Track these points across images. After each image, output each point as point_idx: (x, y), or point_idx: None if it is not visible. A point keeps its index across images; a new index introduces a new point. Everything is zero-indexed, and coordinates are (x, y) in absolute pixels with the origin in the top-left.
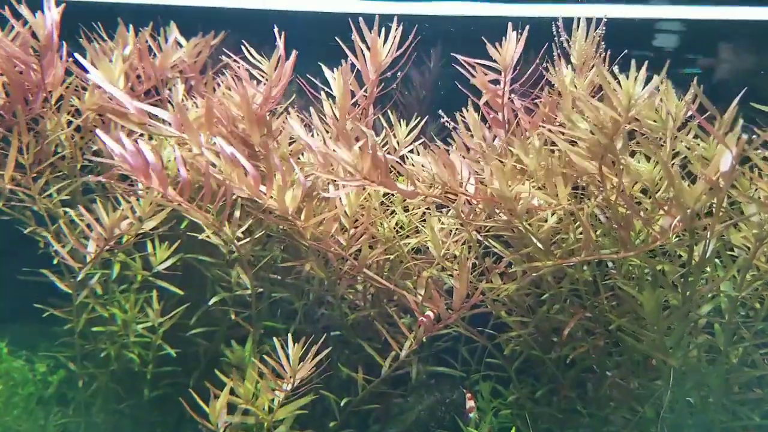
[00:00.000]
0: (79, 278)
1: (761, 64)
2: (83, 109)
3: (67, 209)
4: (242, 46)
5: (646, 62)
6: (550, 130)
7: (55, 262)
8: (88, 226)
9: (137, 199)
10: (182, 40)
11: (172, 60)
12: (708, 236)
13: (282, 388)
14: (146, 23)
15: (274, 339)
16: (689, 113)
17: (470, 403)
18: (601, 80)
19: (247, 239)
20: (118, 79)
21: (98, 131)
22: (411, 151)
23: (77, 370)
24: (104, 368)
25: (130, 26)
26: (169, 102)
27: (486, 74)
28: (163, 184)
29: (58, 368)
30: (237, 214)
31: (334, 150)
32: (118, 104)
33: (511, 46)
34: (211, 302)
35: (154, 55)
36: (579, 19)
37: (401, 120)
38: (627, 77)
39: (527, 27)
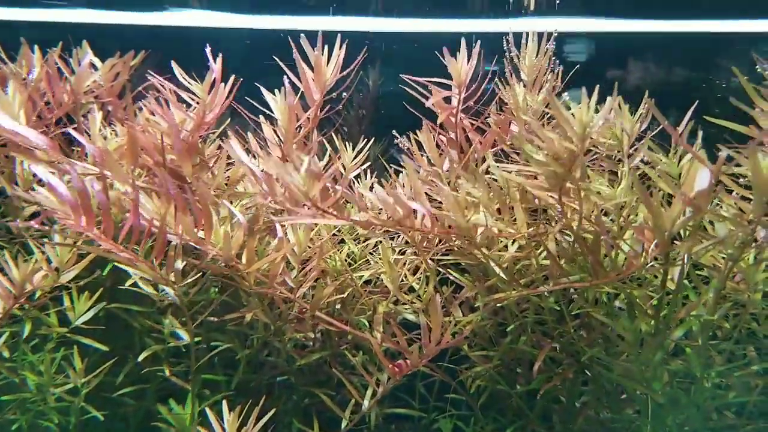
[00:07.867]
0: None
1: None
2: None
3: None
4: (171, 67)
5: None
6: (505, 155)
7: None
8: None
9: (53, 247)
10: (97, 62)
11: (87, 84)
12: (684, 259)
13: None
14: (54, 43)
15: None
16: (642, 128)
17: None
18: (554, 111)
19: (182, 283)
20: (19, 112)
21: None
22: (357, 176)
23: None
24: None
25: (36, 47)
26: (85, 131)
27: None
28: (109, 229)
29: None
30: (176, 261)
31: (288, 173)
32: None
33: (464, 63)
34: (141, 357)
35: (66, 78)
36: (530, 33)
37: (346, 143)
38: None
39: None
